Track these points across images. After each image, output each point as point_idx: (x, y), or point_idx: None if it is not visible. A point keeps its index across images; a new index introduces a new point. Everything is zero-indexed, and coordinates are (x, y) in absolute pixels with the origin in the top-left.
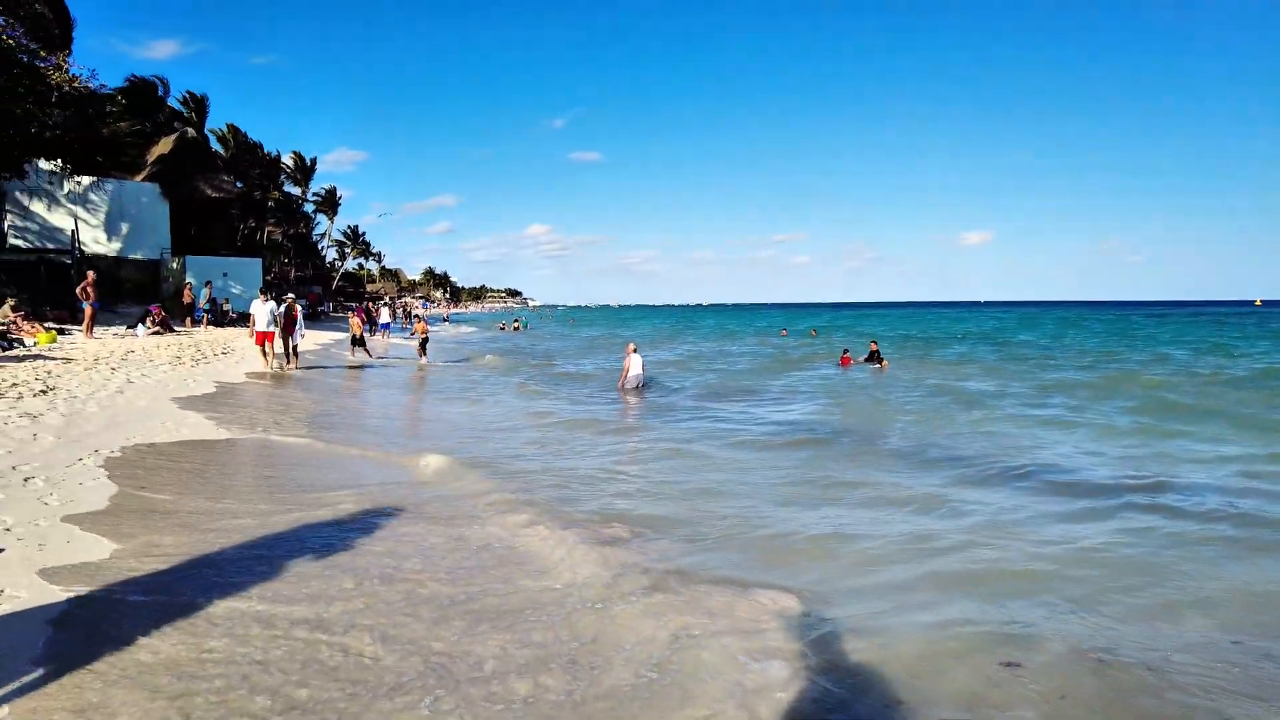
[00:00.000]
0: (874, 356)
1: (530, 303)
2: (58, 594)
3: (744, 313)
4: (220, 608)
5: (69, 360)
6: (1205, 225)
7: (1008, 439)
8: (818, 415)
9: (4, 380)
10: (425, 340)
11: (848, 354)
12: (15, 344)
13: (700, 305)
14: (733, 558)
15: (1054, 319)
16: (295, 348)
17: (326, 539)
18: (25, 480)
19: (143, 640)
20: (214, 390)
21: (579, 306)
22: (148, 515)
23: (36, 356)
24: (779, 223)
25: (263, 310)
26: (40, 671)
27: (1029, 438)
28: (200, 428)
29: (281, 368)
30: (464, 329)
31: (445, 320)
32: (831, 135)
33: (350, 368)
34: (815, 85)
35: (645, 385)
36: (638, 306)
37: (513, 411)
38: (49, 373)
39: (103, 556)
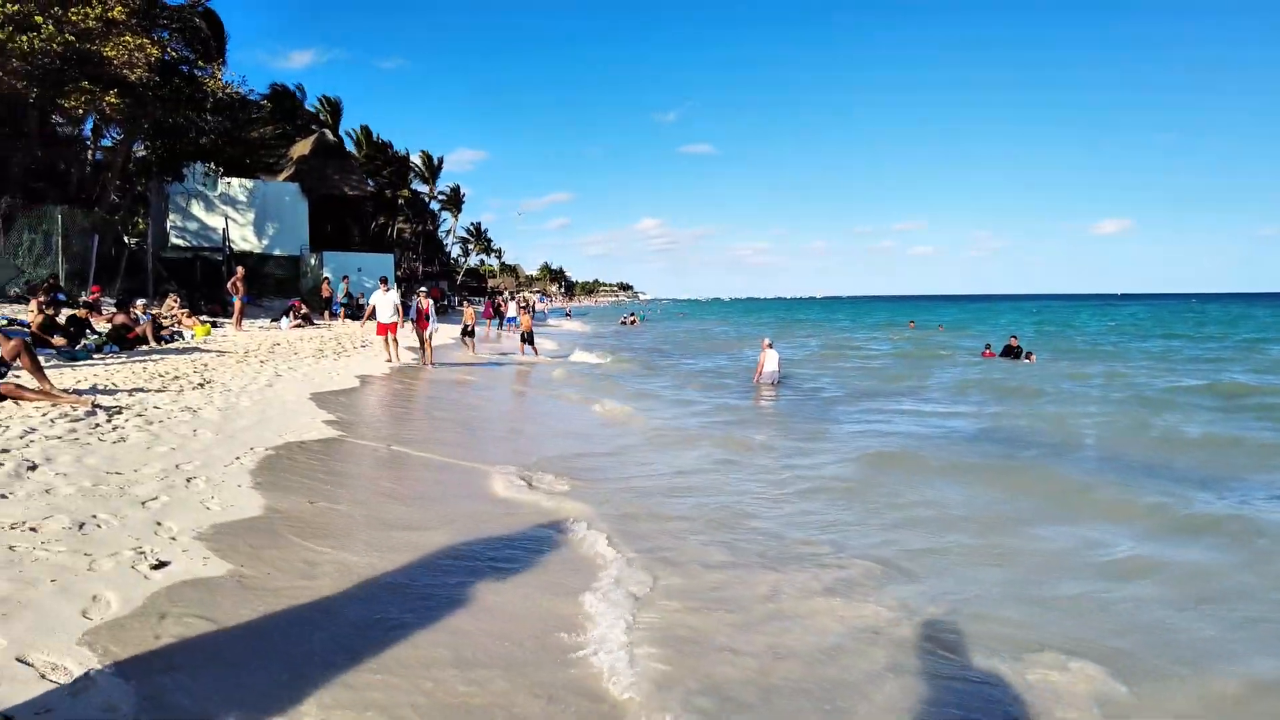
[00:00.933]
0: (1013, 351)
1: (641, 296)
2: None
3: (862, 305)
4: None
5: (222, 353)
6: None
7: (1238, 455)
8: (1000, 421)
9: (168, 373)
10: (530, 334)
11: (990, 348)
12: (177, 336)
13: (814, 298)
14: (999, 615)
15: (1215, 313)
16: (430, 345)
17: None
18: (188, 481)
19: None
20: (356, 385)
21: (689, 300)
22: (303, 530)
23: (194, 349)
24: (898, 211)
25: (384, 301)
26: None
27: (1264, 453)
28: (343, 426)
29: (422, 364)
30: (581, 324)
31: (568, 315)
32: (953, 119)
33: (479, 365)
34: (934, 67)
35: (778, 382)
36: (749, 299)
37: (658, 420)
38: (205, 365)
39: (260, 579)
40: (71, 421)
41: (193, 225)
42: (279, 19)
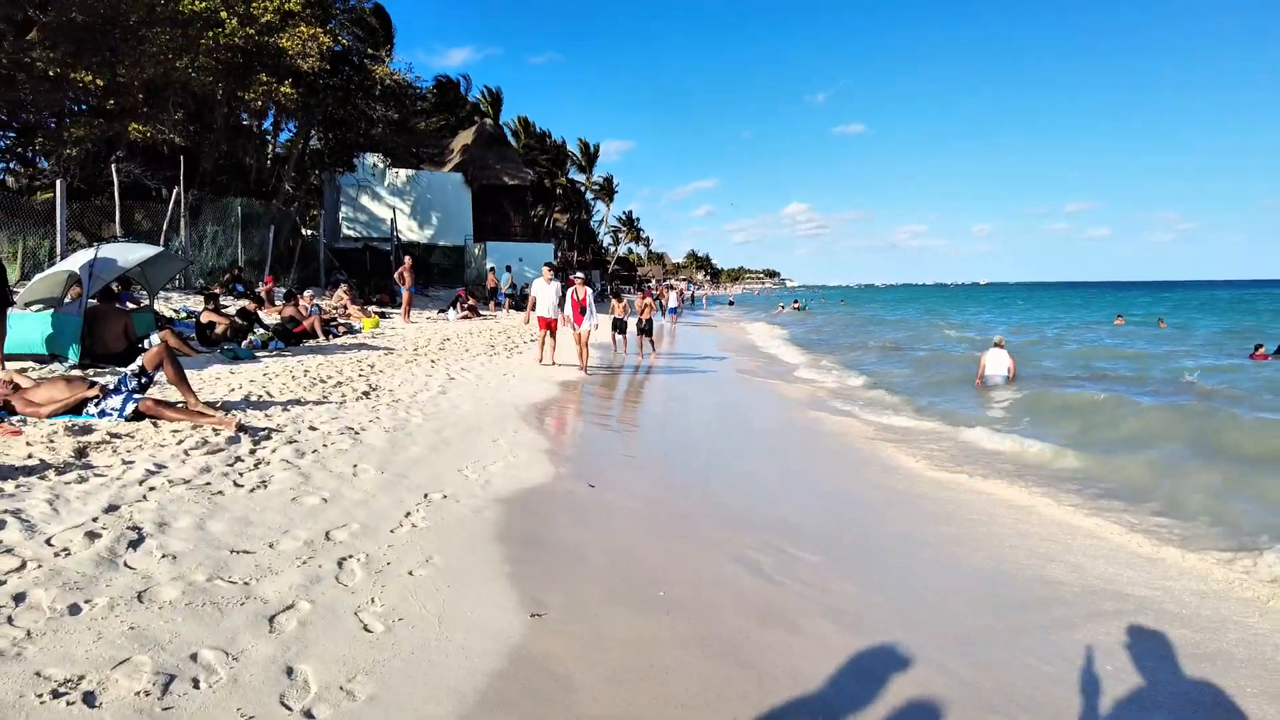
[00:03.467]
0: None
1: (788, 283)
2: None
3: (1033, 292)
4: None
5: (389, 351)
6: None
7: None
8: None
9: (330, 378)
10: (650, 325)
11: (1262, 348)
12: (346, 331)
13: (977, 284)
14: None
15: None
16: (586, 345)
17: None
18: (340, 564)
19: None
20: (548, 398)
21: (839, 286)
22: (552, 694)
23: (361, 345)
24: (1070, 191)
25: (546, 291)
26: None
27: None
28: (545, 463)
29: (580, 367)
30: (761, 320)
31: (730, 304)
32: (1132, 87)
33: (661, 372)
34: (1111, 26)
35: (1000, 385)
36: (904, 286)
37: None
38: (371, 367)
39: None
40: (209, 453)
41: (363, 216)
42: (439, 19)
